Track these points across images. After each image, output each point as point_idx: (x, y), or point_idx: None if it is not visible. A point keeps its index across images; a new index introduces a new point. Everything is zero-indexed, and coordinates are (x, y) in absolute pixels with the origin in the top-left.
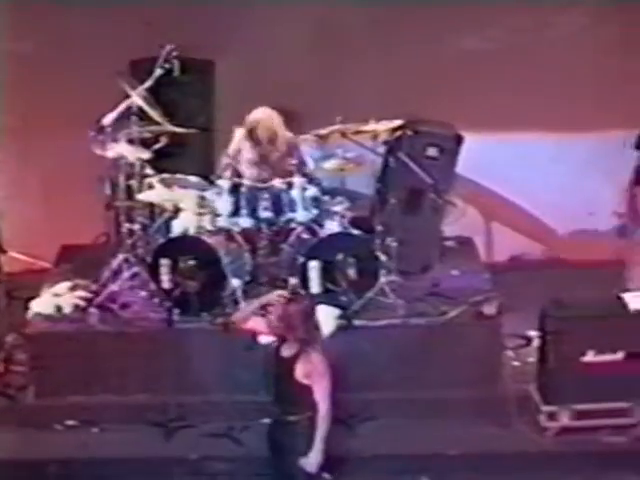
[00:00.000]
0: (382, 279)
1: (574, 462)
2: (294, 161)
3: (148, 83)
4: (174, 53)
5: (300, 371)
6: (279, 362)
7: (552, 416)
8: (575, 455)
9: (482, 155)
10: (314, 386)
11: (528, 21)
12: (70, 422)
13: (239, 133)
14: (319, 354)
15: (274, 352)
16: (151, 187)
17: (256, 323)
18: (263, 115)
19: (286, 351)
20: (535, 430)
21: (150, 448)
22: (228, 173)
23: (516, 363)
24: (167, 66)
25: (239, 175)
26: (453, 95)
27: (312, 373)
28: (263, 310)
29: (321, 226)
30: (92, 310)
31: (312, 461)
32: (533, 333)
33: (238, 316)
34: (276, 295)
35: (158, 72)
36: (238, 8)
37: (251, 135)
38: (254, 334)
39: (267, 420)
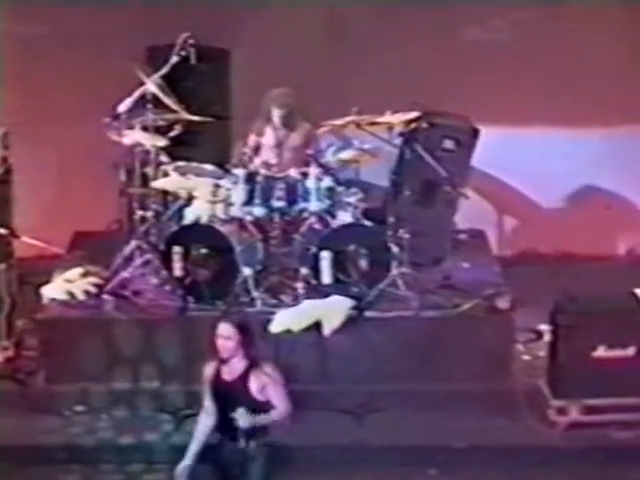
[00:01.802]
0: (394, 271)
1: (583, 457)
2: (310, 151)
3: (164, 70)
4: (190, 41)
5: (255, 387)
6: (222, 388)
7: (562, 411)
8: (584, 450)
9: (497, 148)
10: (271, 395)
11: (541, 14)
12: (79, 408)
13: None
14: (267, 362)
15: (212, 381)
16: (166, 175)
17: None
18: (281, 91)
19: (228, 374)
20: (544, 424)
21: (160, 436)
22: (246, 161)
23: (527, 357)
24: (183, 53)
25: (256, 164)
26: (469, 88)
27: (267, 384)
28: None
29: (334, 217)
30: (106, 297)
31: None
32: (544, 327)
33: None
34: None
35: (174, 59)
36: None
37: (268, 114)
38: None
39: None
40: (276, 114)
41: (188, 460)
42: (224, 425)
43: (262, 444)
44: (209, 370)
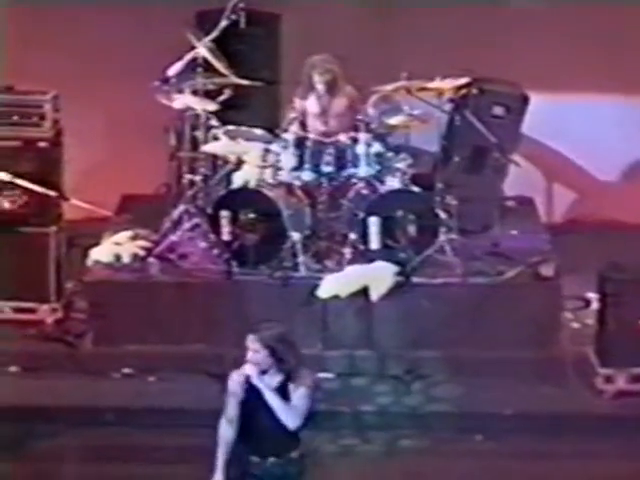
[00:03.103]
0: (441, 237)
1: (630, 425)
2: (360, 116)
3: (214, 34)
4: (240, 5)
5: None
6: (255, 400)
7: (609, 379)
8: (631, 418)
9: (548, 115)
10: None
11: None
12: (127, 370)
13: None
14: (307, 370)
15: (245, 396)
16: (216, 139)
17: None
18: (321, 57)
19: (268, 385)
20: (591, 393)
21: (206, 398)
22: (294, 127)
23: (575, 325)
24: (233, 17)
25: (306, 129)
26: (518, 55)
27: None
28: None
29: (382, 182)
30: (152, 260)
31: None
32: (592, 295)
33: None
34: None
35: (224, 23)
36: None
37: (310, 81)
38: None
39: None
40: (318, 81)
41: (219, 475)
42: (252, 438)
43: (302, 454)
44: (237, 379)
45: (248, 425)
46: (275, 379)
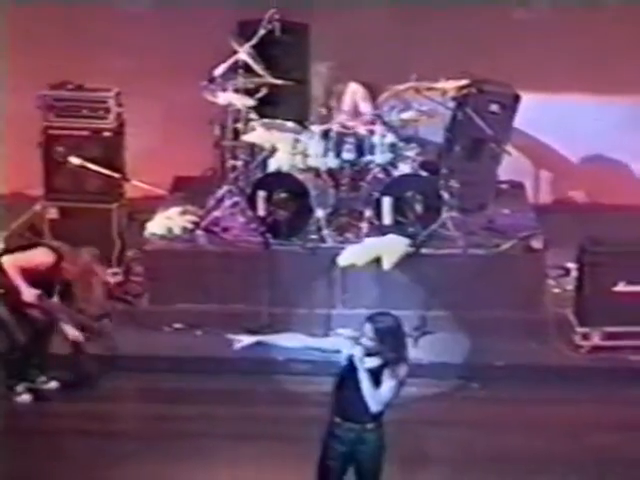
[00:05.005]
0: (444, 214)
1: (603, 376)
2: (377, 112)
3: (253, 41)
4: (276, 16)
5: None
6: (352, 374)
7: (585, 336)
8: (604, 370)
9: (536, 112)
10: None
11: None
12: (177, 325)
13: (350, 88)
14: (404, 365)
15: (345, 368)
16: (253, 130)
17: (356, 350)
18: (351, 87)
19: (365, 367)
20: (570, 348)
21: (244, 350)
22: (327, 118)
23: (556, 290)
24: (270, 27)
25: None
26: (513, 59)
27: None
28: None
29: (395, 167)
30: (199, 232)
31: None
32: (572, 265)
33: None
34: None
35: (262, 32)
36: None
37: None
38: None
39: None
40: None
41: None
42: (340, 402)
43: (379, 425)
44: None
45: (340, 391)
46: (375, 362)
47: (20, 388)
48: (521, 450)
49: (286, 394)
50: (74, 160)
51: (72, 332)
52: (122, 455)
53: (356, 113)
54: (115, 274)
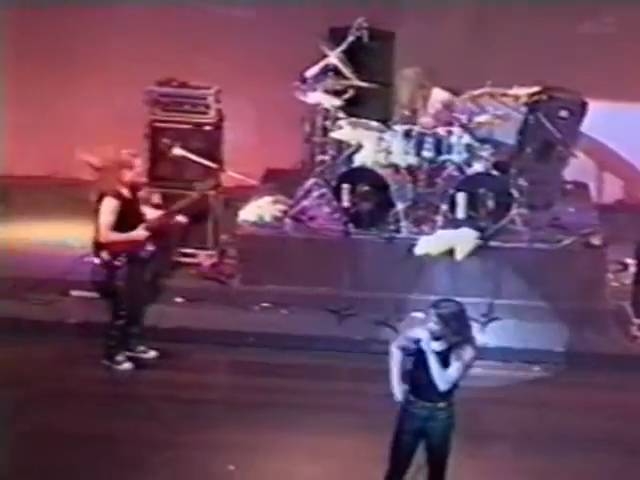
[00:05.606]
0: (513, 211)
1: None
2: (455, 114)
3: (343, 46)
4: (364, 24)
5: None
6: (422, 357)
7: None
8: None
9: (602, 118)
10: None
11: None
12: (265, 304)
13: (433, 93)
14: (470, 347)
15: (415, 351)
16: (340, 127)
17: (423, 334)
18: (434, 92)
19: (433, 350)
20: (627, 337)
21: (326, 329)
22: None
23: (615, 284)
24: (358, 34)
25: (413, 123)
26: (581, 70)
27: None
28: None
29: (469, 166)
30: (287, 220)
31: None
32: (630, 261)
33: None
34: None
35: (351, 38)
36: None
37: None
38: None
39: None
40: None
41: (398, 389)
42: (414, 382)
43: (450, 404)
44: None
45: (414, 371)
46: (442, 345)
47: (121, 357)
48: (578, 430)
49: (364, 371)
50: (177, 151)
51: None
52: (210, 421)
53: (438, 115)
54: (210, 256)
